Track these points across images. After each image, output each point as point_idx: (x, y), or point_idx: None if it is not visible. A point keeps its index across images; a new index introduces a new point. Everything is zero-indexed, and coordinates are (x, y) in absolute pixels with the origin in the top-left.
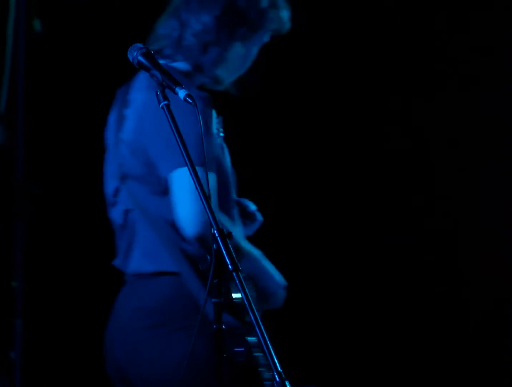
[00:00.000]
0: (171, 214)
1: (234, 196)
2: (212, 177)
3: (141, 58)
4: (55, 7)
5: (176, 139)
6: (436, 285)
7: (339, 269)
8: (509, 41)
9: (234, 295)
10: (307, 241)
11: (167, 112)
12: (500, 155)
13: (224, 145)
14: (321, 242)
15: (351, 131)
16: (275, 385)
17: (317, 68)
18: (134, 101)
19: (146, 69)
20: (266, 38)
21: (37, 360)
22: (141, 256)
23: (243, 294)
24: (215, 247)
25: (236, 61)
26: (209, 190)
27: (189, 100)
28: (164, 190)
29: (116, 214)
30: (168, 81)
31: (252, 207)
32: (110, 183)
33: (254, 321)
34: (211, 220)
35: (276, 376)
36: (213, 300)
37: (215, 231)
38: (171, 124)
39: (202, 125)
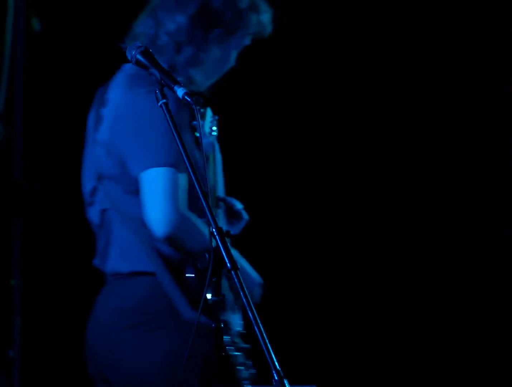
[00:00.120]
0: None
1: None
2: (183, 178)
3: (139, 57)
4: (53, 6)
5: (175, 139)
6: (436, 285)
7: (339, 268)
8: (509, 41)
9: (208, 295)
10: (307, 241)
11: (165, 111)
12: (500, 155)
13: (216, 144)
14: (321, 241)
15: (351, 131)
16: (274, 383)
17: (317, 68)
18: (111, 100)
19: (145, 67)
20: (246, 41)
21: (35, 359)
22: (117, 256)
23: (242, 293)
24: (213, 245)
25: (213, 65)
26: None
27: (188, 98)
28: (137, 190)
29: (93, 214)
30: (166, 79)
31: (238, 205)
32: (88, 183)
33: (252, 320)
34: (210, 218)
35: (275, 375)
36: (213, 298)
37: (214, 230)
38: (170, 122)
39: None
